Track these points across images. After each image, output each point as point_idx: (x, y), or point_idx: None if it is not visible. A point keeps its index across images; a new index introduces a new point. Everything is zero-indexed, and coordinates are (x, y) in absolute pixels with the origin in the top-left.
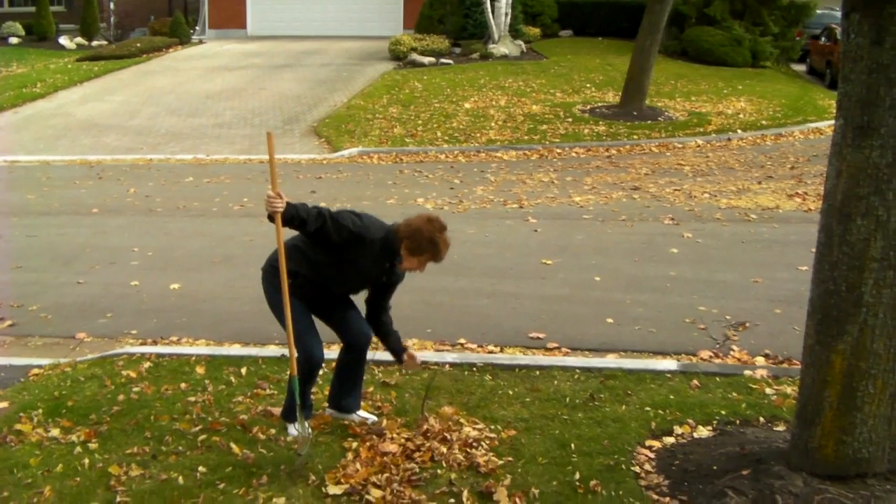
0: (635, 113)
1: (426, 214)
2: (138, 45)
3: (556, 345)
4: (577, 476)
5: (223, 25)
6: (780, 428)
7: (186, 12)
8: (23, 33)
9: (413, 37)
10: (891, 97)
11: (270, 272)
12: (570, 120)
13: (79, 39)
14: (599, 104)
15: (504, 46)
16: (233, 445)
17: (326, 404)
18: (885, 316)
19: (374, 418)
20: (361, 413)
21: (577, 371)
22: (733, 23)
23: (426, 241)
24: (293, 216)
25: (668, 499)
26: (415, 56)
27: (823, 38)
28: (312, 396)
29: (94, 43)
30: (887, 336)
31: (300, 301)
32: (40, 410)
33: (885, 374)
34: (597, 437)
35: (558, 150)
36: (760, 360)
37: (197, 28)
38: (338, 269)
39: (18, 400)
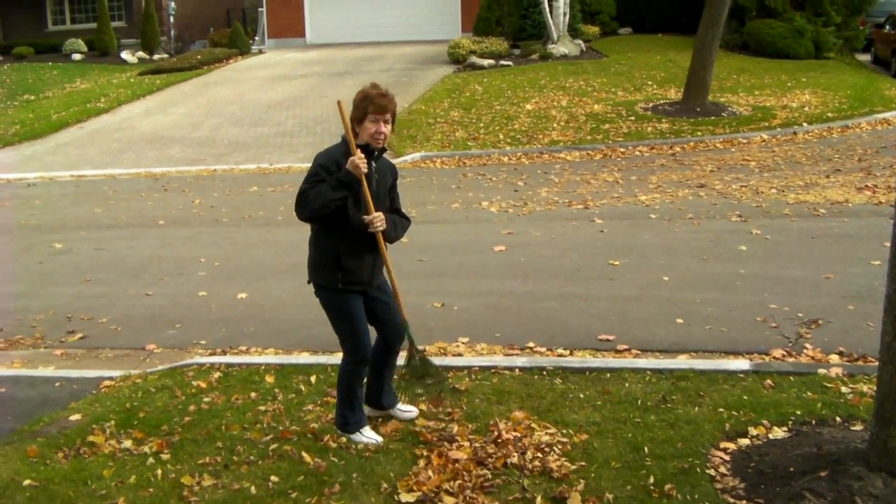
0: (698, 109)
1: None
2: (199, 57)
3: (626, 346)
4: (652, 480)
5: (282, 35)
6: (858, 427)
7: (245, 23)
8: (85, 49)
9: (472, 39)
10: None
11: (314, 275)
12: (632, 118)
13: (140, 53)
14: (661, 101)
15: (563, 46)
16: (304, 454)
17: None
18: None
19: (416, 410)
20: (402, 406)
21: (649, 373)
22: (794, 14)
23: (359, 100)
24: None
25: (744, 502)
26: (474, 59)
27: (888, 27)
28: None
29: (156, 56)
30: None
31: (357, 298)
32: (112, 422)
33: None
34: (670, 439)
35: (622, 150)
36: (835, 358)
37: (256, 38)
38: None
39: (91, 412)
